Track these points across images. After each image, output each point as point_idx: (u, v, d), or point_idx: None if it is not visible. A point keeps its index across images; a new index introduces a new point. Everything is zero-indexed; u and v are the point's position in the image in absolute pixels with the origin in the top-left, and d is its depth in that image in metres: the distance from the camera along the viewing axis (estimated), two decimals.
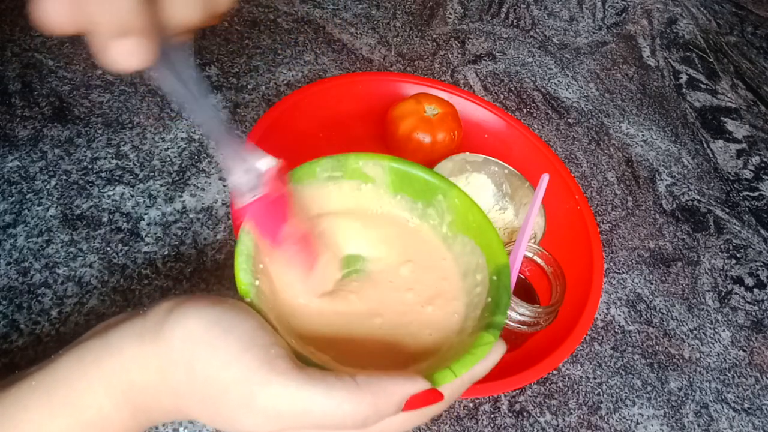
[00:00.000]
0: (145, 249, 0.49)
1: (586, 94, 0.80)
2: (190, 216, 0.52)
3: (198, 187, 0.54)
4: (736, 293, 0.63)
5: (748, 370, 0.57)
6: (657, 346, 0.56)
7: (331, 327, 0.30)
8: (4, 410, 0.23)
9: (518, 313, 0.44)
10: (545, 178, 0.47)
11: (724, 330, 0.59)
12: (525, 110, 0.75)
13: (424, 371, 0.26)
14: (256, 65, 0.67)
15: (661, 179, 0.72)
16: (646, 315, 0.58)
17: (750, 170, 0.79)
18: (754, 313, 0.62)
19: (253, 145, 0.28)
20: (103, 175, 0.53)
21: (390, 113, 0.59)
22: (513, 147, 0.63)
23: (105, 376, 0.24)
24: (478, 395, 0.46)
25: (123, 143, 0.55)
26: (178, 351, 0.24)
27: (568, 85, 0.80)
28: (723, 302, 0.62)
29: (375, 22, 0.79)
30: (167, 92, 0.24)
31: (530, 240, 0.47)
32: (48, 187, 0.51)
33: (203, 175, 0.55)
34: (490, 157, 0.58)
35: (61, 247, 0.47)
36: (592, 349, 0.54)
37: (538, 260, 0.47)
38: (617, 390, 0.52)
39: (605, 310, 0.57)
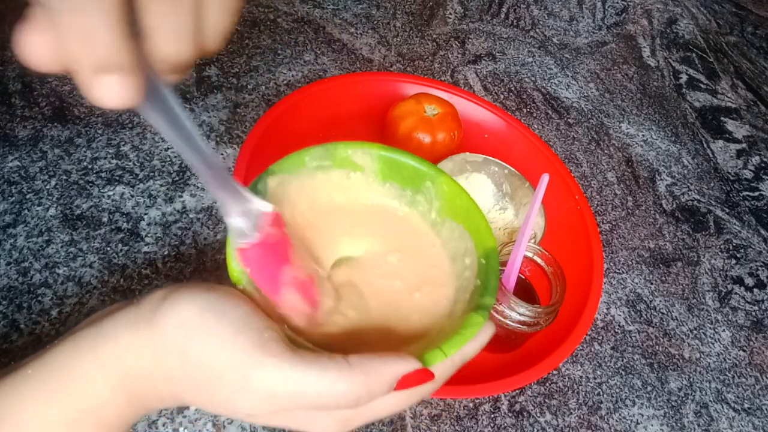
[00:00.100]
0: (145, 249, 0.49)
1: (586, 94, 0.80)
2: (190, 216, 0.52)
3: (198, 187, 0.54)
4: (736, 293, 0.63)
5: (748, 370, 0.57)
6: (657, 346, 0.56)
7: (328, 317, 0.30)
8: (0, 399, 0.24)
9: (518, 313, 0.44)
10: (545, 178, 0.47)
11: (724, 330, 0.59)
12: (525, 110, 0.75)
13: (414, 353, 0.27)
14: (256, 65, 0.67)
15: (661, 179, 0.72)
16: (646, 315, 0.58)
17: (750, 170, 0.79)
18: (754, 313, 0.62)
19: (247, 189, 0.28)
20: (103, 175, 0.53)
21: (390, 113, 0.59)
22: (513, 147, 0.63)
23: (100, 364, 0.24)
24: (478, 395, 0.46)
25: (123, 143, 0.55)
26: (172, 337, 0.24)
27: (568, 85, 0.80)
28: (723, 302, 0.62)
29: (375, 22, 0.79)
30: (157, 130, 0.23)
31: (530, 240, 0.47)
32: (48, 187, 0.51)
33: None
34: (490, 157, 0.58)
35: (61, 247, 0.47)
36: (592, 349, 0.54)
37: (538, 260, 0.47)
38: (617, 390, 0.52)
39: (605, 310, 0.57)
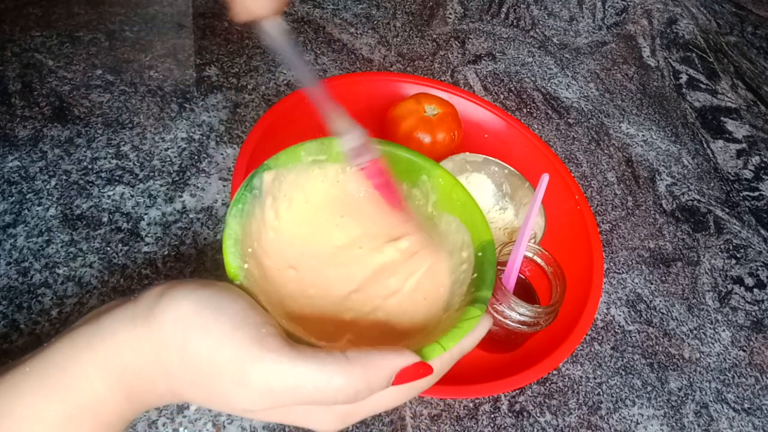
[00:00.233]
0: (145, 249, 0.49)
1: (586, 94, 0.80)
2: (190, 216, 0.52)
3: (198, 187, 0.54)
4: (736, 293, 0.63)
5: (748, 370, 0.57)
6: (657, 346, 0.56)
7: (320, 308, 0.30)
8: None
9: (518, 313, 0.44)
10: (545, 178, 0.47)
11: (724, 330, 0.59)
12: (525, 110, 0.75)
13: (413, 346, 0.27)
14: (256, 65, 0.67)
15: (661, 179, 0.72)
16: (646, 315, 0.58)
17: (750, 170, 0.79)
18: (754, 313, 0.62)
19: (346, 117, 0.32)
20: (103, 175, 0.53)
21: (390, 113, 0.59)
22: (513, 147, 0.63)
23: (98, 361, 0.24)
24: (478, 395, 0.46)
25: (123, 143, 0.55)
26: (170, 333, 0.24)
27: (568, 85, 0.80)
28: (723, 302, 0.62)
29: (375, 22, 0.79)
30: (273, 49, 0.27)
31: (530, 240, 0.47)
32: (48, 187, 0.51)
33: (203, 175, 0.55)
34: (490, 157, 0.58)
35: (61, 247, 0.47)
36: (592, 349, 0.54)
37: (538, 260, 0.47)
38: (617, 390, 0.52)
39: (605, 310, 0.57)
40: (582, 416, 0.49)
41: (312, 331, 0.29)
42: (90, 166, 0.53)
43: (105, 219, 0.50)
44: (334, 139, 0.34)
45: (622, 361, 0.54)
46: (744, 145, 0.82)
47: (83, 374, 0.24)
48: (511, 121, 0.64)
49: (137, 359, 0.25)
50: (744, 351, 0.58)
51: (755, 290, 0.64)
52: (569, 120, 0.75)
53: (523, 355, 0.48)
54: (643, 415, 0.51)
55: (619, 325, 0.57)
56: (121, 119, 0.57)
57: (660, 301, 0.60)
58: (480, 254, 0.32)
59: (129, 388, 0.25)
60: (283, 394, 0.24)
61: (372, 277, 0.33)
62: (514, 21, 0.88)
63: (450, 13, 0.85)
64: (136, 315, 0.25)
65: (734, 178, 0.76)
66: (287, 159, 0.33)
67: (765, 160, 0.81)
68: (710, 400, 0.54)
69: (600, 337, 0.55)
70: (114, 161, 0.54)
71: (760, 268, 0.66)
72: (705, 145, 0.80)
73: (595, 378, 0.52)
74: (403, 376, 0.25)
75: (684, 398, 0.53)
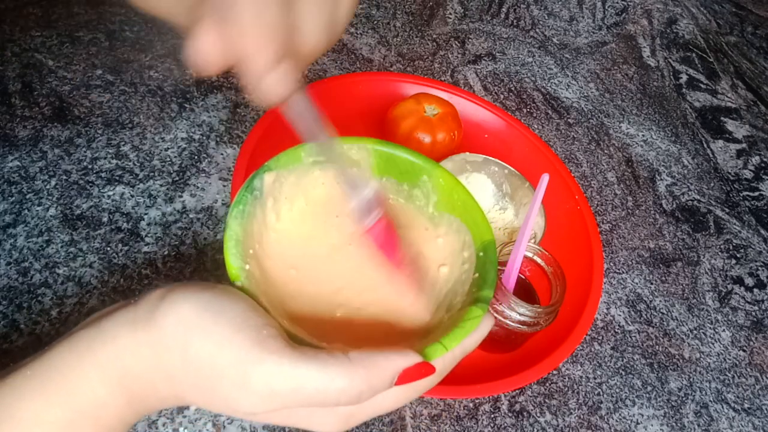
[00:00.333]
0: (145, 249, 0.49)
1: (586, 94, 0.80)
2: (190, 216, 0.52)
3: (198, 187, 0.54)
4: (736, 293, 0.63)
5: (748, 370, 0.57)
6: (657, 346, 0.56)
7: (319, 307, 0.30)
8: None
9: (518, 313, 0.44)
10: (545, 178, 0.47)
11: (724, 330, 0.59)
12: (525, 110, 0.75)
13: (415, 346, 0.26)
14: None
15: (661, 179, 0.72)
16: (646, 315, 0.58)
17: (750, 170, 0.79)
18: (754, 313, 0.62)
19: (358, 171, 0.32)
20: (103, 175, 0.53)
21: (390, 113, 0.59)
22: (513, 147, 0.63)
23: (99, 364, 0.24)
24: (478, 395, 0.46)
25: (123, 143, 0.55)
26: (171, 336, 0.24)
27: (568, 85, 0.80)
28: (723, 302, 0.62)
29: (375, 22, 0.79)
30: (295, 124, 0.26)
31: (530, 240, 0.47)
32: (48, 187, 0.51)
33: (203, 175, 0.55)
34: (490, 157, 0.58)
35: (61, 247, 0.47)
36: (592, 349, 0.54)
37: (538, 260, 0.47)
38: (617, 390, 0.52)
39: (605, 310, 0.57)
40: (582, 416, 0.49)
41: (313, 330, 0.29)
42: (90, 166, 0.53)
43: (105, 219, 0.50)
44: (333, 141, 0.34)
45: (622, 361, 0.54)
46: (744, 145, 0.82)
47: (84, 378, 0.24)
48: (511, 121, 0.64)
49: (138, 363, 0.25)
50: (744, 351, 0.58)
51: (755, 290, 0.64)
52: (569, 120, 0.75)
53: (523, 355, 0.48)
54: (643, 415, 0.51)
55: (619, 325, 0.57)
56: (121, 119, 0.57)
57: (660, 301, 0.60)
58: (481, 254, 0.32)
59: (130, 391, 0.25)
60: (284, 396, 0.23)
61: (361, 272, 0.33)
62: (514, 21, 0.88)
63: (450, 13, 0.85)
64: (137, 318, 0.25)
65: (734, 178, 0.76)
66: (288, 160, 0.33)
67: (765, 160, 0.81)
68: (710, 400, 0.54)
69: (600, 337, 0.55)
70: (114, 161, 0.54)
71: (760, 268, 0.66)
72: (705, 145, 0.80)
73: (595, 378, 0.52)
74: (405, 377, 0.25)
75: (684, 398, 0.53)
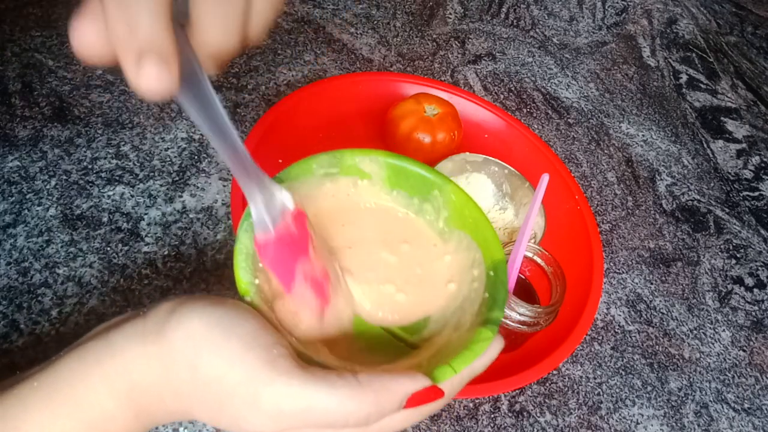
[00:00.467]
0: (145, 249, 0.49)
1: (586, 94, 0.80)
2: (190, 216, 0.52)
3: (198, 187, 0.54)
4: (736, 293, 0.63)
5: (748, 370, 0.57)
6: (657, 346, 0.56)
7: (329, 323, 0.30)
8: (5, 411, 0.23)
9: (518, 313, 0.44)
10: (545, 178, 0.47)
11: (724, 330, 0.59)
12: (525, 110, 0.75)
13: (423, 367, 0.26)
14: (256, 65, 0.67)
15: (661, 179, 0.72)
16: (646, 315, 0.58)
17: (750, 170, 0.79)
18: (754, 313, 0.62)
19: (273, 181, 0.28)
20: (103, 175, 0.53)
21: (390, 113, 0.59)
22: (513, 147, 0.63)
23: (107, 377, 0.24)
24: (478, 395, 0.46)
25: (123, 143, 0.55)
26: (180, 351, 0.24)
27: (568, 85, 0.80)
28: (723, 302, 0.62)
29: (375, 22, 0.79)
30: (192, 121, 0.24)
31: (530, 240, 0.47)
32: (48, 187, 0.51)
33: (203, 175, 0.55)
34: (490, 157, 0.58)
35: (61, 247, 0.47)
36: (592, 349, 0.54)
37: (538, 260, 0.47)
38: (617, 390, 0.52)
39: (605, 310, 0.57)
40: (582, 416, 0.49)
41: (322, 345, 0.29)
42: (90, 166, 0.53)
43: (105, 219, 0.50)
44: (346, 152, 0.34)
45: (622, 361, 0.54)
46: (744, 145, 0.82)
47: (92, 390, 0.24)
48: (511, 121, 0.64)
49: (146, 377, 0.24)
50: (744, 351, 0.58)
51: (755, 290, 0.64)
52: (569, 120, 0.75)
53: (523, 355, 0.48)
54: (643, 415, 0.51)
55: (619, 325, 0.57)
56: (121, 119, 0.57)
57: (660, 301, 0.60)
58: (492, 273, 0.31)
59: (138, 405, 0.25)
60: (293, 417, 0.23)
61: (376, 290, 0.32)
62: (514, 21, 0.88)
63: (450, 13, 0.85)
64: (146, 331, 0.25)
65: (734, 178, 0.76)
66: (299, 172, 0.33)
67: (765, 160, 0.81)
68: (710, 400, 0.54)
69: (600, 337, 0.55)
70: (114, 161, 0.54)
71: (760, 268, 0.66)
72: (705, 145, 0.80)
73: (595, 378, 0.52)
74: (414, 400, 0.25)
75: (684, 398, 0.53)
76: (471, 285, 0.32)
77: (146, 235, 0.50)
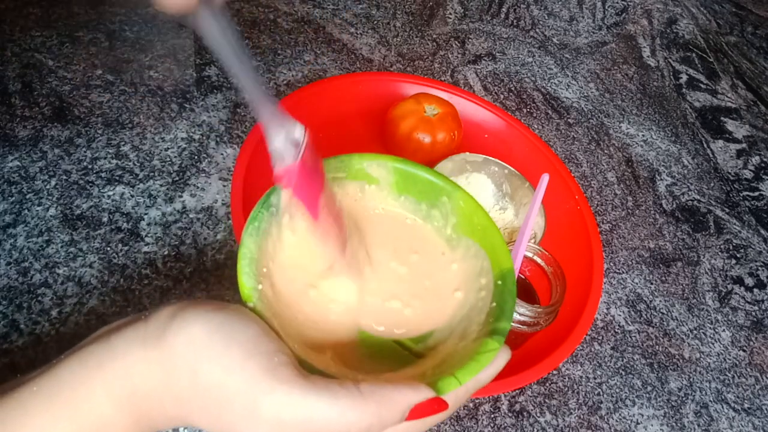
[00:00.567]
0: (145, 249, 0.49)
1: (586, 94, 0.80)
2: (190, 216, 0.52)
3: (198, 187, 0.54)
4: (736, 293, 0.63)
5: (748, 370, 0.57)
6: (657, 346, 0.56)
7: (333, 330, 0.30)
8: (6, 415, 0.23)
9: (518, 313, 0.44)
10: (545, 178, 0.47)
11: (724, 330, 0.59)
12: (525, 110, 0.75)
13: (428, 377, 0.26)
14: (256, 65, 0.67)
15: (661, 179, 0.72)
16: (646, 315, 0.58)
17: (750, 170, 0.79)
18: (754, 313, 0.62)
19: (286, 112, 0.28)
20: (103, 175, 0.53)
21: (390, 113, 0.59)
22: (513, 147, 0.63)
23: (107, 382, 0.24)
24: (478, 395, 0.46)
25: (123, 143, 0.55)
26: (181, 357, 0.24)
27: (568, 85, 0.80)
28: (723, 302, 0.62)
29: (375, 22, 0.79)
30: (209, 45, 0.24)
31: (530, 240, 0.47)
32: (48, 187, 0.51)
33: (203, 175, 0.55)
34: (490, 157, 0.58)
35: (61, 247, 0.47)
36: (592, 349, 0.54)
37: (538, 260, 0.47)
38: (617, 390, 0.52)
39: (605, 310, 0.57)
40: (582, 416, 0.49)
41: (325, 352, 0.28)
42: (90, 166, 0.53)
43: (105, 219, 0.50)
44: (354, 157, 0.34)
45: (622, 361, 0.54)
46: (744, 145, 0.82)
47: (92, 395, 0.24)
48: (511, 121, 0.64)
49: (146, 382, 0.24)
50: (744, 351, 0.58)
51: (755, 290, 0.64)
52: (569, 120, 0.75)
53: (523, 355, 0.48)
54: (643, 415, 0.51)
55: (619, 325, 0.57)
56: (121, 119, 0.57)
57: (660, 301, 0.60)
58: (500, 282, 0.31)
59: (138, 410, 0.25)
60: (293, 427, 0.23)
61: (383, 297, 0.32)
62: (514, 21, 0.88)
63: (450, 13, 0.85)
64: (147, 336, 0.25)
65: (734, 178, 0.76)
66: None
67: (765, 160, 0.81)
68: (710, 400, 0.54)
69: (600, 337, 0.55)
70: (114, 161, 0.54)
71: (760, 268, 0.66)
72: (705, 145, 0.80)
73: (595, 378, 0.52)
74: (417, 412, 0.25)
75: (684, 398, 0.53)
76: (478, 294, 0.32)
77: (146, 235, 0.50)
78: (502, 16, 0.88)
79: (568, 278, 0.46)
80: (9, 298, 0.44)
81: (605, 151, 0.73)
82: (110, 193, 0.51)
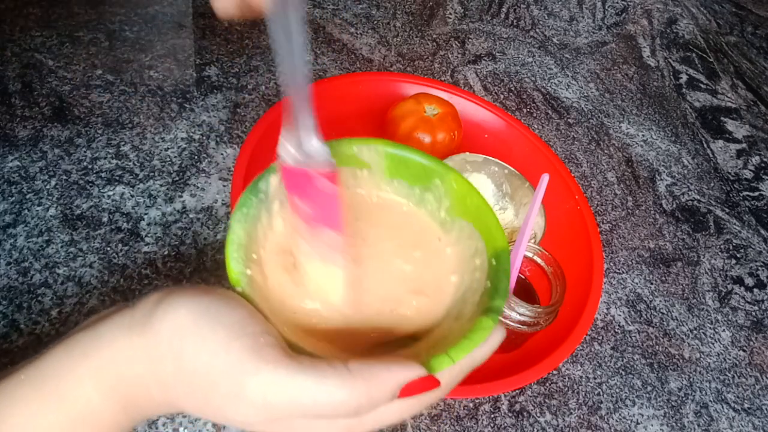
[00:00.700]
0: (145, 249, 0.49)
1: (586, 94, 0.80)
2: (190, 216, 0.52)
3: (198, 187, 0.54)
4: (736, 293, 0.63)
5: (748, 370, 0.57)
6: (657, 346, 0.56)
7: (325, 316, 0.30)
8: None
9: (518, 313, 0.44)
10: (545, 178, 0.47)
11: (724, 330, 0.59)
12: (525, 110, 0.75)
13: (421, 357, 0.26)
14: (256, 65, 0.67)
15: (661, 179, 0.72)
16: (646, 315, 0.58)
17: (750, 170, 0.79)
18: (754, 313, 0.62)
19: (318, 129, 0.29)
20: (103, 175, 0.53)
21: (390, 113, 0.59)
22: (513, 147, 0.63)
23: (93, 370, 0.24)
24: (478, 395, 0.46)
25: (123, 143, 0.55)
26: (167, 342, 0.24)
27: (568, 85, 0.80)
28: (723, 302, 0.62)
29: (375, 22, 0.79)
30: (272, 39, 0.26)
31: (530, 240, 0.47)
32: (48, 187, 0.51)
33: (203, 175, 0.55)
34: (490, 157, 0.58)
35: (61, 247, 0.47)
36: (592, 349, 0.54)
37: (538, 260, 0.47)
38: (617, 390, 0.52)
39: (605, 310, 0.57)
40: (582, 416, 0.49)
41: (315, 336, 0.28)
42: (90, 166, 0.53)
43: (105, 219, 0.50)
44: (344, 142, 0.33)
45: (622, 361, 0.54)
46: (744, 145, 0.82)
47: (78, 384, 0.24)
48: (511, 121, 0.64)
49: (132, 368, 0.24)
50: (744, 351, 0.58)
51: (755, 290, 0.64)
52: (569, 120, 0.75)
53: (523, 355, 0.48)
54: (643, 415, 0.51)
55: (619, 325, 0.57)
56: (121, 119, 0.57)
57: (660, 301, 0.60)
58: (494, 262, 0.30)
59: (125, 398, 0.24)
60: (280, 408, 0.23)
61: (377, 280, 0.32)
62: (514, 21, 0.88)
63: (450, 13, 0.85)
64: (133, 323, 0.24)
65: (734, 178, 0.76)
66: None
67: (765, 160, 0.81)
68: (710, 400, 0.54)
69: (600, 337, 0.55)
70: (114, 161, 0.54)
71: (760, 268, 0.66)
72: (705, 145, 0.80)
73: (595, 378, 0.52)
74: (409, 390, 0.24)
75: (684, 398, 0.53)
76: (473, 275, 0.31)
77: (146, 235, 0.50)
78: (502, 16, 0.88)
79: (568, 278, 0.46)
80: (9, 298, 0.44)
81: (605, 151, 0.73)
82: (110, 193, 0.52)
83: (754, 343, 0.59)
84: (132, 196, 0.52)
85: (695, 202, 0.71)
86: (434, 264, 0.34)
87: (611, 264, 0.61)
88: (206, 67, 0.65)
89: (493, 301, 0.28)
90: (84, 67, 0.60)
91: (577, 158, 0.71)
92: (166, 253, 0.49)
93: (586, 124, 0.76)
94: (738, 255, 0.67)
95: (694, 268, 0.64)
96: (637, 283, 0.60)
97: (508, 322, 0.44)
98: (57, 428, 0.23)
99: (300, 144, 0.28)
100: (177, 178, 0.54)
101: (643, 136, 0.77)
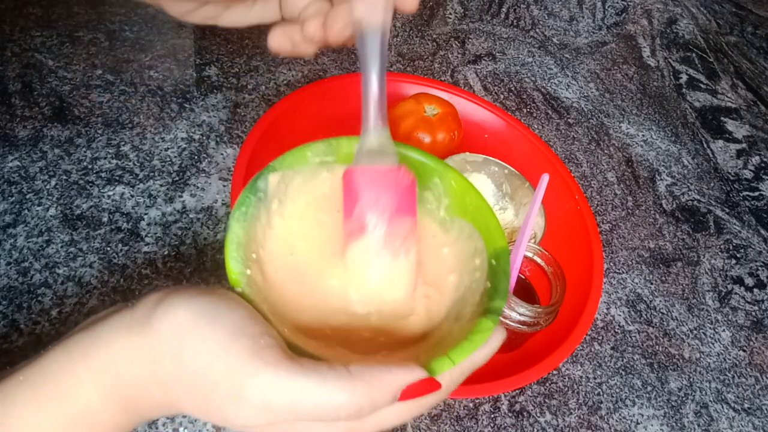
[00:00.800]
0: (145, 249, 0.49)
1: (586, 94, 0.80)
2: (190, 216, 0.52)
3: (198, 187, 0.54)
4: (736, 293, 0.63)
5: (748, 370, 0.57)
6: (657, 346, 0.56)
7: (324, 315, 0.30)
8: None
9: (518, 313, 0.44)
10: (545, 178, 0.47)
11: (724, 330, 0.59)
12: (525, 110, 0.75)
13: (421, 359, 0.25)
14: (256, 65, 0.67)
15: (661, 179, 0.72)
16: (646, 315, 0.58)
17: (750, 170, 0.78)
18: (754, 313, 0.62)
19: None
20: (103, 175, 0.53)
21: (390, 113, 0.59)
22: (513, 147, 0.63)
23: (92, 370, 0.24)
24: (478, 395, 0.46)
25: (123, 143, 0.55)
26: (166, 342, 0.24)
27: (568, 85, 0.80)
28: (723, 302, 0.62)
29: None
30: (361, 62, 0.29)
31: (530, 240, 0.47)
32: (48, 187, 0.51)
33: (203, 175, 0.55)
34: (490, 157, 0.58)
35: (61, 247, 0.47)
36: (592, 349, 0.54)
37: (538, 260, 0.47)
38: (617, 390, 0.52)
39: (605, 310, 0.57)
40: (582, 416, 0.49)
41: (315, 337, 0.28)
42: (90, 166, 0.53)
43: (105, 219, 0.50)
44: (342, 139, 0.33)
45: (622, 361, 0.54)
46: (744, 145, 0.82)
47: (78, 384, 0.24)
48: (511, 121, 0.64)
49: (131, 369, 0.24)
50: (744, 351, 0.58)
51: (755, 290, 0.64)
52: (569, 120, 0.75)
53: (523, 355, 0.48)
54: (643, 415, 0.51)
55: (619, 325, 0.57)
56: (121, 119, 0.57)
57: (660, 301, 0.60)
58: (494, 262, 0.30)
59: (125, 399, 0.24)
60: (281, 410, 0.23)
61: (366, 274, 0.31)
62: (514, 21, 0.88)
63: (450, 13, 0.85)
64: (133, 323, 0.24)
65: (734, 178, 0.76)
66: (293, 160, 0.32)
67: (765, 160, 0.81)
68: (710, 400, 0.54)
69: (600, 337, 0.55)
70: (114, 161, 0.54)
71: (760, 268, 0.66)
72: (705, 145, 0.80)
73: (595, 378, 0.52)
74: (409, 393, 0.24)
75: (684, 398, 0.53)
76: (472, 275, 0.31)
77: (146, 235, 0.50)
78: (502, 16, 0.88)
79: (568, 278, 0.46)
80: (9, 298, 0.44)
81: (605, 151, 0.73)
82: (110, 193, 0.52)
83: (754, 343, 0.59)
84: (132, 196, 0.52)
85: (695, 202, 0.71)
86: (434, 265, 0.34)
87: (611, 264, 0.61)
88: (206, 67, 0.65)
89: (493, 302, 0.28)
90: (84, 67, 0.60)
91: (577, 158, 0.71)
92: (166, 253, 0.49)
93: (586, 124, 0.76)
94: (738, 255, 0.67)
95: (694, 268, 0.64)
96: (637, 283, 0.60)
97: (508, 322, 0.44)
98: (57, 429, 0.23)
99: (371, 144, 0.30)
100: (177, 178, 0.54)
101: (643, 136, 0.77)
